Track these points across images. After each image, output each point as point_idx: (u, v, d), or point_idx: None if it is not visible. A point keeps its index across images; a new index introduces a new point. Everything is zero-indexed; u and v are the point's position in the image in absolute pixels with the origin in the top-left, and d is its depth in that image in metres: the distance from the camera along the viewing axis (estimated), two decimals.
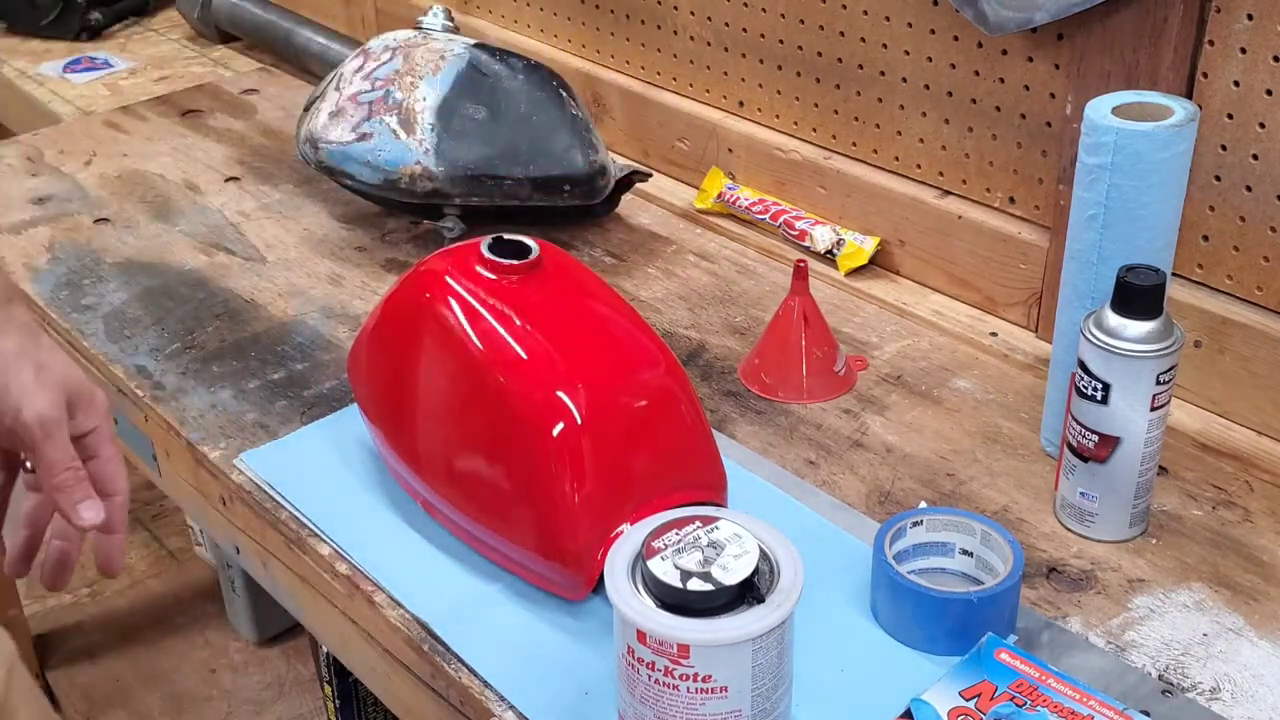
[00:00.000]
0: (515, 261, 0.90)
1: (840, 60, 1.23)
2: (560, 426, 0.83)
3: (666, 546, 0.71)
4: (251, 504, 0.98)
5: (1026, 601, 0.85)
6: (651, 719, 0.71)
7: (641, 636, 0.69)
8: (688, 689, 0.69)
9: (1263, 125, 0.95)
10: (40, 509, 0.83)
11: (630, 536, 0.74)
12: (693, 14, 1.36)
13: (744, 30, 1.31)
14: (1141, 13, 0.98)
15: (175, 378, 1.11)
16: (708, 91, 1.39)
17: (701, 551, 0.71)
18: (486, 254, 0.90)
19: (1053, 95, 1.08)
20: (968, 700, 0.75)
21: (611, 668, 0.74)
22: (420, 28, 1.31)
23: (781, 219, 1.29)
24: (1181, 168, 0.87)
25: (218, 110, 1.64)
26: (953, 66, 1.14)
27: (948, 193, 1.20)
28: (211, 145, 1.54)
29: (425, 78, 1.23)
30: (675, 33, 1.39)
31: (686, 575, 0.69)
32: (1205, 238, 1.01)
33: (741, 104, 1.36)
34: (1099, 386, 0.86)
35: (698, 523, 0.73)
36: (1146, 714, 0.75)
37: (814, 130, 1.29)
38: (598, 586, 0.82)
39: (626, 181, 1.32)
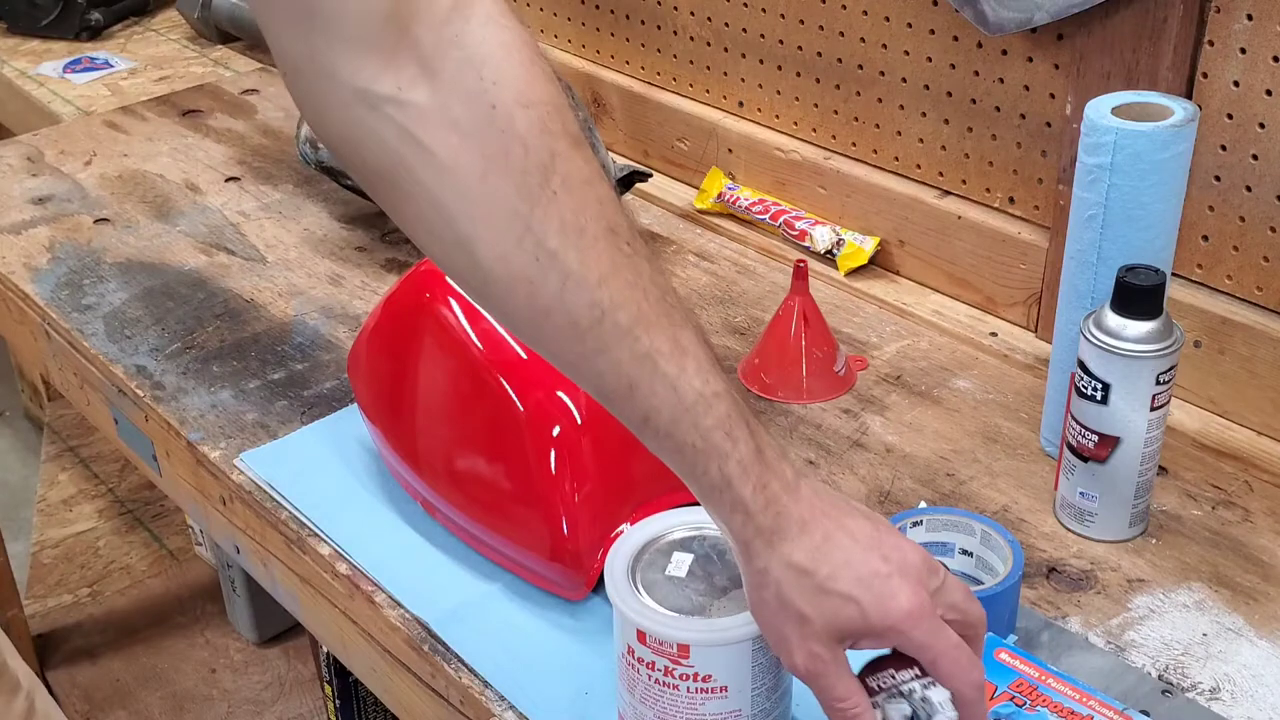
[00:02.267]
0: None
1: (840, 60, 1.23)
2: (560, 426, 0.83)
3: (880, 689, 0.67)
4: (251, 504, 0.98)
5: (1026, 601, 0.85)
6: (651, 719, 0.71)
7: (641, 636, 0.69)
8: (688, 689, 0.69)
9: (1263, 125, 0.95)
10: None
11: (630, 536, 0.74)
12: (693, 14, 1.36)
13: (744, 30, 1.31)
14: (1141, 13, 0.98)
15: (175, 378, 1.11)
16: (708, 91, 1.39)
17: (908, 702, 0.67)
18: None
19: (1052, 95, 1.08)
20: None
21: (611, 668, 0.74)
22: None
23: (781, 219, 1.29)
24: (1181, 168, 0.87)
25: (218, 110, 1.64)
26: (952, 67, 1.14)
27: (947, 193, 1.20)
28: (211, 145, 1.54)
29: None
30: (675, 33, 1.39)
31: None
32: (1205, 238, 1.01)
33: (741, 104, 1.36)
34: (1099, 386, 0.86)
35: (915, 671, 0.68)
36: (1146, 714, 0.75)
37: (814, 130, 1.29)
38: (598, 586, 0.83)
39: (626, 181, 1.32)
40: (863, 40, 1.20)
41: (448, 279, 0.64)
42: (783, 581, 0.65)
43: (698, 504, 0.79)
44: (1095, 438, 0.88)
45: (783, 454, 0.67)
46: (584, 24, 1.50)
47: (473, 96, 0.59)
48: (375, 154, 0.60)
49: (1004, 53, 1.10)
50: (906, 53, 1.17)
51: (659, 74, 1.43)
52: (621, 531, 0.81)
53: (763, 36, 1.30)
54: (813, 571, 0.65)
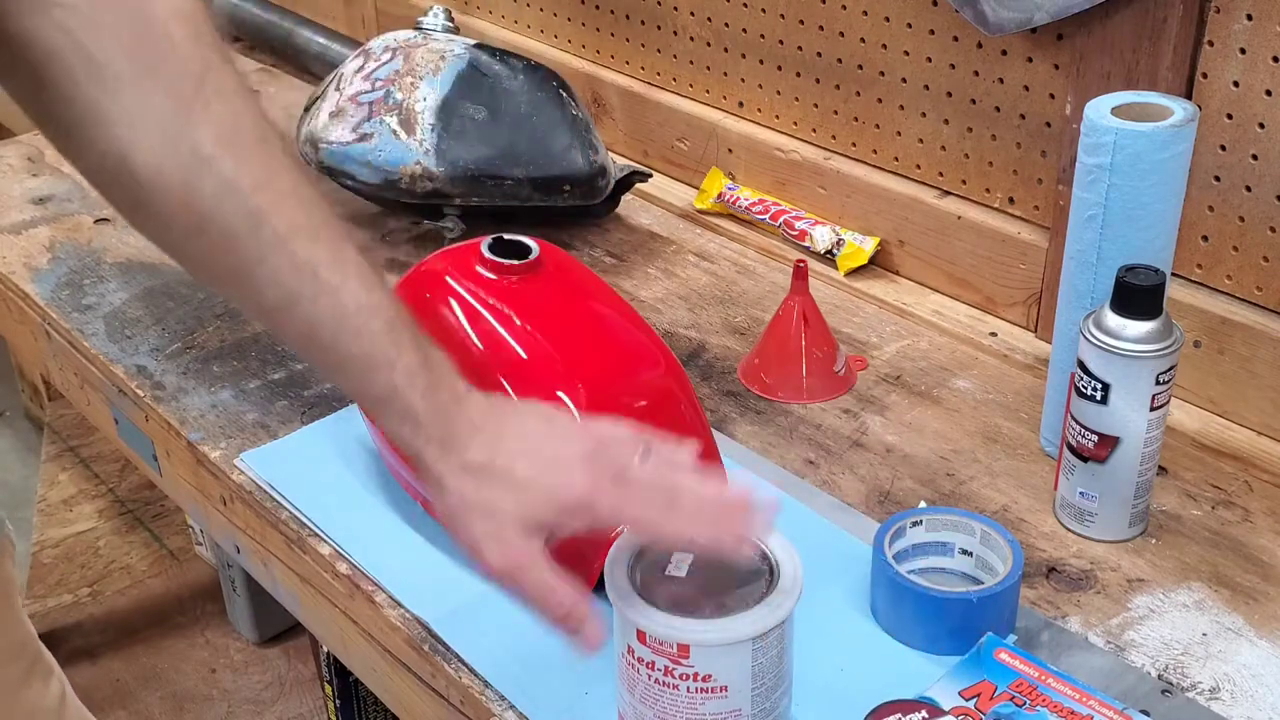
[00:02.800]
0: (515, 261, 0.90)
1: (840, 60, 1.23)
2: None
3: None
4: (252, 504, 0.98)
5: (1026, 601, 0.85)
6: (651, 719, 0.71)
7: (641, 636, 0.69)
8: (688, 689, 0.69)
9: (1262, 125, 0.95)
10: None
11: (630, 536, 0.74)
12: (693, 14, 1.36)
13: (744, 30, 1.31)
14: (1141, 13, 0.98)
15: (176, 378, 1.11)
16: (708, 91, 1.39)
17: None
18: (486, 254, 0.90)
19: (1052, 95, 1.08)
20: (967, 700, 0.75)
21: (611, 668, 0.74)
22: (420, 28, 1.31)
23: (781, 219, 1.29)
24: (1181, 168, 0.88)
25: None
26: (952, 67, 1.14)
27: (947, 193, 1.20)
28: None
29: (425, 78, 1.23)
30: (675, 33, 1.39)
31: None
32: (1205, 238, 1.01)
33: (741, 104, 1.36)
34: (1099, 386, 0.86)
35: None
36: (1146, 714, 0.75)
37: (814, 130, 1.29)
38: (598, 586, 0.83)
39: (626, 181, 1.32)
40: (863, 40, 1.20)
41: (111, 201, 0.64)
42: (463, 485, 0.66)
43: None
44: (1095, 438, 0.88)
45: (453, 370, 0.68)
46: (584, 24, 1.50)
47: (127, 2, 0.61)
48: (44, 58, 0.61)
49: (1004, 53, 1.10)
50: (906, 53, 1.17)
51: (659, 74, 1.43)
52: (621, 531, 0.81)
53: (763, 36, 1.30)
54: (489, 466, 0.66)
